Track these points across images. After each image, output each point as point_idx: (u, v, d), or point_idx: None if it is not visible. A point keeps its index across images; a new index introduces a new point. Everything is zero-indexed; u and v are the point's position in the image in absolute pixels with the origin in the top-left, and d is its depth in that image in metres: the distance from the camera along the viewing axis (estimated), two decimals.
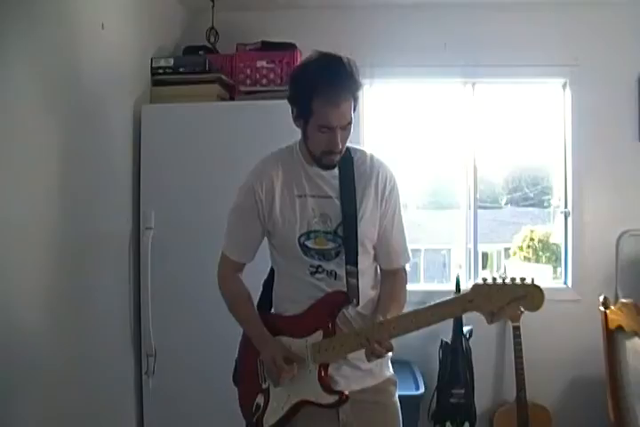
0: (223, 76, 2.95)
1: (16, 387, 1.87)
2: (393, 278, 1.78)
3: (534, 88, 3.64)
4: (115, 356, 2.58)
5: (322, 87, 1.56)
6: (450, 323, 3.15)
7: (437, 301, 1.57)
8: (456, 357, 3.17)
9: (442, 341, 3.21)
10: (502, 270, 4.09)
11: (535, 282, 1.50)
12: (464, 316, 3.02)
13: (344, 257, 1.69)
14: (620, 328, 2.39)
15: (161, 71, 2.91)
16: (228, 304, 1.83)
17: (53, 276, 2.11)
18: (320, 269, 1.71)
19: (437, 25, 3.41)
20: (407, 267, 1.83)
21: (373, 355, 1.58)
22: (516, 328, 3.15)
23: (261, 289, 1.89)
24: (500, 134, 3.67)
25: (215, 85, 2.89)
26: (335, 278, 1.70)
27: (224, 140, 2.75)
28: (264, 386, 1.75)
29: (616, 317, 2.41)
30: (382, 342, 1.55)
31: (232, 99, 2.97)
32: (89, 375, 2.29)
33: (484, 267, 3.96)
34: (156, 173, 2.76)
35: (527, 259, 4.08)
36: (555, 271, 3.76)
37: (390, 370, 1.82)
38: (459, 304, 1.55)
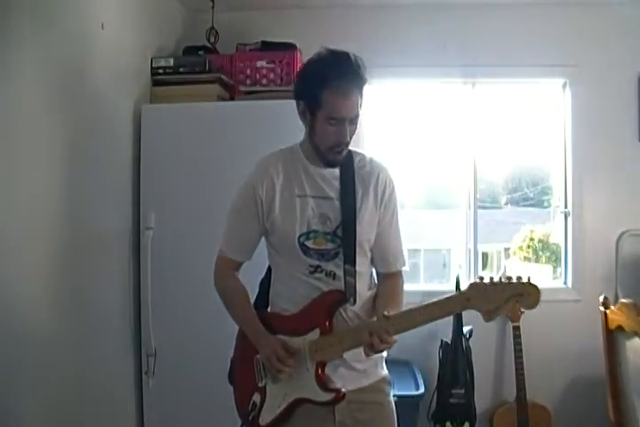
0: (223, 76, 2.95)
1: (16, 387, 1.87)
2: (390, 281, 1.80)
3: (534, 88, 3.64)
4: (115, 356, 2.58)
5: (332, 79, 1.59)
6: (450, 323, 3.14)
7: (434, 299, 1.58)
8: (456, 357, 3.17)
9: (442, 341, 3.21)
10: (502, 270, 4.09)
11: (531, 280, 1.52)
12: (464, 316, 3.06)
13: (342, 257, 1.70)
14: (620, 328, 2.39)
15: (161, 71, 2.91)
16: (225, 301, 1.83)
17: (53, 275, 2.11)
18: (319, 269, 1.71)
19: (437, 25, 3.41)
20: (405, 269, 1.84)
21: (373, 350, 1.58)
22: (516, 328, 3.15)
23: (258, 288, 1.89)
24: (500, 134, 3.67)
25: (215, 85, 2.89)
26: (334, 278, 1.71)
27: (224, 140, 2.75)
28: (260, 384, 1.74)
29: (616, 317, 2.41)
30: (384, 337, 1.56)
31: (232, 99, 2.97)
32: (89, 375, 2.29)
33: (484, 267, 3.96)
34: (156, 173, 2.76)
35: (527, 259, 4.08)
36: (555, 271, 3.75)
37: (385, 369, 1.83)
38: (456, 302, 1.57)
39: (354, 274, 1.70)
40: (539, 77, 3.51)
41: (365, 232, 1.72)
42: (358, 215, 1.70)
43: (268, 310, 1.85)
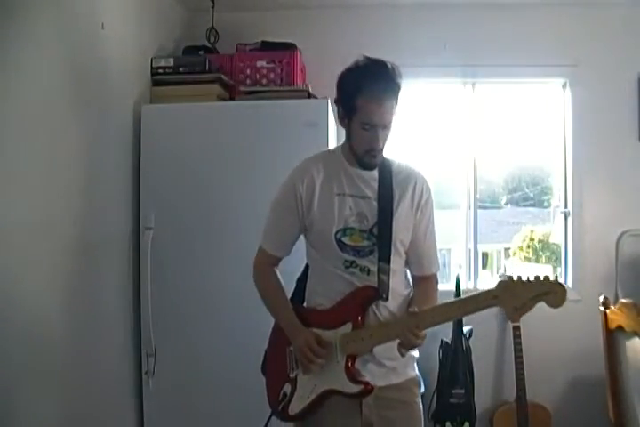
0: (223, 76, 2.95)
1: (16, 387, 1.87)
2: (425, 284, 1.87)
3: (534, 88, 3.64)
4: (115, 356, 2.58)
5: (366, 87, 1.68)
6: (450, 323, 3.14)
7: (463, 296, 1.67)
8: (456, 357, 3.17)
9: (442, 341, 3.21)
10: (502, 270, 4.09)
11: (558, 279, 1.57)
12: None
13: (377, 255, 1.76)
14: (620, 328, 2.39)
15: (161, 71, 2.91)
16: (262, 295, 1.89)
17: (53, 275, 2.11)
18: (354, 265, 1.77)
19: (437, 25, 3.41)
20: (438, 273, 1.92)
21: (406, 346, 1.65)
22: (516, 328, 3.15)
23: (295, 285, 1.94)
24: (500, 134, 3.66)
25: (215, 85, 2.89)
26: (368, 274, 1.77)
27: (224, 140, 2.75)
28: (292, 375, 1.80)
29: (616, 317, 2.41)
30: (415, 331, 1.62)
31: (232, 99, 2.96)
32: (89, 375, 2.29)
33: (484, 267, 3.96)
34: (156, 173, 2.76)
35: (527, 259, 4.07)
36: (555, 271, 3.75)
37: (415, 370, 1.88)
38: (483, 300, 1.62)
39: (388, 272, 1.76)
40: (539, 77, 3.51)
41: (400, 233, 1.79)
42: (394, 216, 1.77)
43: (304, 305, 1.90)
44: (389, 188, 1.79)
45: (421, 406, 1.87)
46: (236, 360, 2.62)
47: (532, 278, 1.57)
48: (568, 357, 3.27)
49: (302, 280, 1.93)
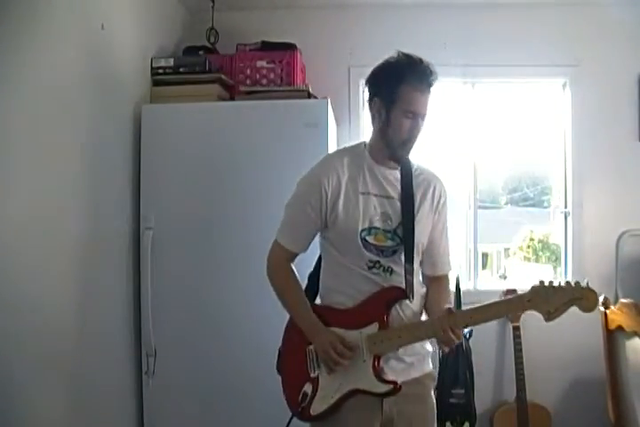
0: (223, 76, 2.95)
1: (16, 386, 1.87)
2: (439, 282, 1.90)
3: (534, 88, 3.64)
4: (115, 356, 2.58)
5: (409, 75, 1.73)
6: None
7: (496, 300, 1.73)
8: (456, 357, 3.17)
9: None
10: (502, 270, 4.09)
11: (589, 285, 1.66)
12: None
13: (402, 255, 1.78)
14: (620, 328, 2.40)
15: (161, 71, 2.91)
16: (278, 292, 1.87)
17: (53, 275, 2.11)
18: (377, 265, 1.77)
19: (437, 25, 3.41)
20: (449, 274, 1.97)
21: (448, 344, 1.69)
22: (516, 328, 3.15)
23: (307, 281, 1.93)
24: (500, 134, 3.66)
25: (215, 85, 2.89)
26: (391, 274, 1.78)
27: (224, 140, 2.75)
28: (313, 375, 1.78)
29: (616, 317, 2.42)
30: (455, 331, 1.67)
31: (232, 99, 2.96)
32: (89, 375, 2.29)
33: (484, 267, 3.96)
34: (156, 173, 2.75)
35: (527, 259, 4.07)
36: (555, 271, 3.75)
37: (430, 365, 1.90)
38: (517, 303, 1.69)
39: (412, 272, 1.77)
40: (539, 77, 3.51)
41: (421, 234, 1.81)
42: (416, 217, 1.80)
43: (317, 302, 1.89)
44: (410, 189, 1.81)
45: (434, 400, 1.88)
46: (236, 360, 2.63)
47: (563, 284, 1.65)
48: (568, 357, 3.27)
49: (314, 276, 1.91)
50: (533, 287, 1.66)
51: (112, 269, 2.59)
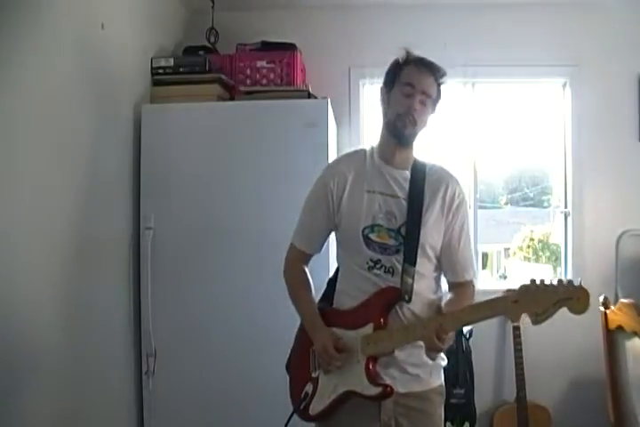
0: (223, 76, 2.95)
1: (16, 387, 1.87)
2: (457, 290, 1.83)
3: (534, 88, 3.64)
4: (115, 356, 2.58)
5: (412, 61, 1.81)
6: None
7: (483, 300, 1.60)
8: (456, 357, 3.16)
9: None
10: (502, 270, 4.09)
11: (582, 284, 1.51)
12: None
13: (402, 255, 1.75)
14: (620, 328, 2.39)
15: (161, 71, 2.91)
16: (288, 291, 1.90)
17: (53, 275, 2.11)
18: (378, 265, 1.76)
19: (437, 25, 3.40)
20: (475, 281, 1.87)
21: (433, 349, 1.62)
22: (516, 328, 3.15)
23: (325, 286, 1.94)
24: (500, 134, 3.66)
25: (215, 85, 2.89)
26: (392, 275, 1.75)
27: (224, 140, 2.75)
28: (314, 375, 1.79)
29: (616, 317, 2.42)
30: (441, 334, 1.58)
31: (232, 99, 2.96)
32: (89, 375, 2.29)
33: (484, 267, 3.96)
34: (157, 173, 2.75)
35: (527, 259, 4.08)
36: (555, 271, 3.76)
37: (440, 379, 1.84)
38: (503, 304, 1.57)
39: (412, 273, 1.73)
40: (539, 77, 3.51)
41: (429, 236, 1.76)
42: (423, 218, 1.76)
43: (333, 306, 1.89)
44: (421, 189, 1.78)
45: (443, 416, 1.82)
46: (235, 360, 2.63)
47: (554, 282, 1.52)
48: (568, 357, 3.27)
49: (333, 281, 1.92)
50: (522, 286, 1.54)
51: (112, 269, 2.59)
